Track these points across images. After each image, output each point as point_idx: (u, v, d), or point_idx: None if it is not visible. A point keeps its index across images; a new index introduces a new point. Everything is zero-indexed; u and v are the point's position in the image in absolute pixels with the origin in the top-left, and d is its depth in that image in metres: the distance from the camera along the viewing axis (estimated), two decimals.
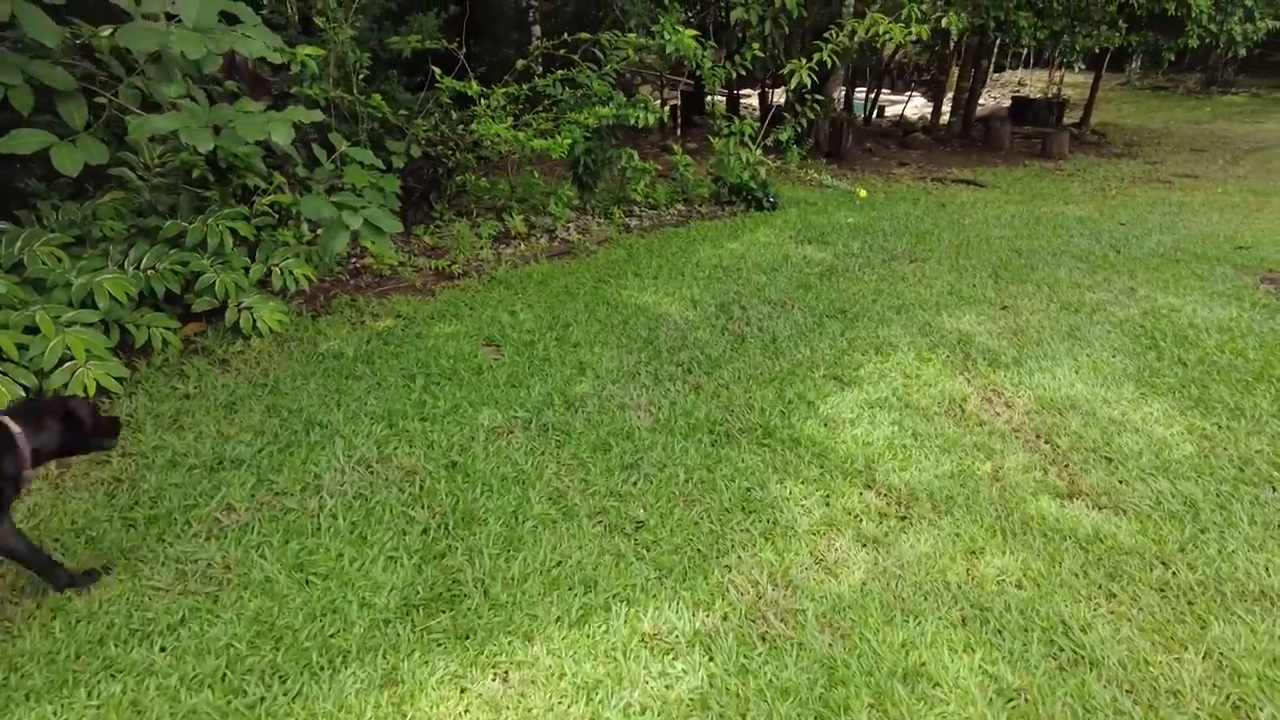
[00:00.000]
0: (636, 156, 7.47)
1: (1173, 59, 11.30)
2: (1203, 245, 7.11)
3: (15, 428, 2.14)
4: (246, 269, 4.34)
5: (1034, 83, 24.84)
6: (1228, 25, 10.34)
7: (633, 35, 6.55)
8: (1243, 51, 10.95)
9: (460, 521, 2.69)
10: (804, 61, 7.74)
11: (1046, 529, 2.85)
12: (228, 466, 2.94)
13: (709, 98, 8.13)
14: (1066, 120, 16.65)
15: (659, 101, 13.72)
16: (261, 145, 4.03)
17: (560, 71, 6.46)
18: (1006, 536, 2.81)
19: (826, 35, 7.81)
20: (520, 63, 6.58)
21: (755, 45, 7.99)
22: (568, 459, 3.18)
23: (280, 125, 2.86)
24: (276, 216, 4.63)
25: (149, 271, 3.97)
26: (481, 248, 6.14)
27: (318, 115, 3.13)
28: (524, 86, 6.19)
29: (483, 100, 5.89)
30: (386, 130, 6.14)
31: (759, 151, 8.17)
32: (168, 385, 3.63)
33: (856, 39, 7.79)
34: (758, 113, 16.17)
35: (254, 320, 4.21)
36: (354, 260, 5.63)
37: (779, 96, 14.10)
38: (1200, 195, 9.69)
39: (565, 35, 6.20)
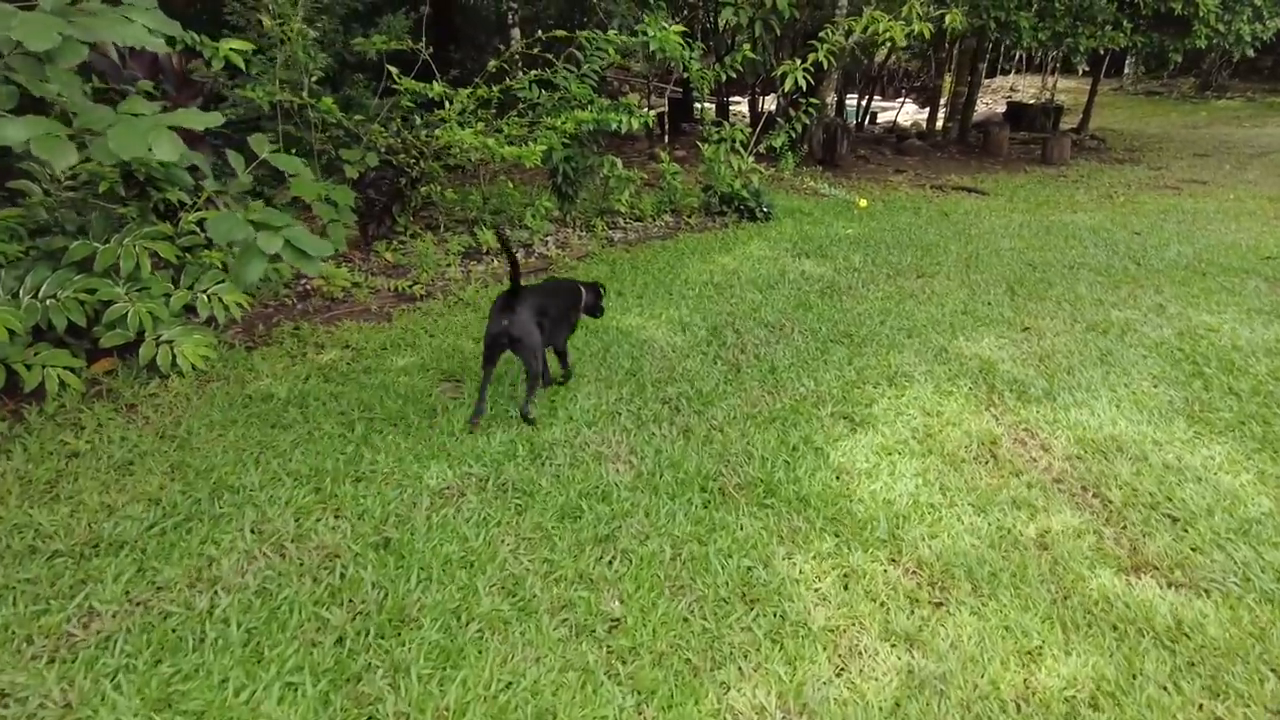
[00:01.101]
0: (620, 164, 6.94)
1: (1179, 60, 10.89)
2: (1226, 256, 6.64)
3: (584, 289, 3.84)
4: (168, 296, 3.77)
5: (1025, 88, 24.54)
6: (1236, 25, 9.94)
7: (613, 34, 6.03)
8: (1251, 52, 10.55)
9: (387, 624, 2.13)
10: (798, 63, 7.24)
11: (1115, 617, 2.31)
12: (104, 552, 2.37)
13: (697, 104, 7.60)
14: (1063, 125, 16.26)
15: (646, 108, 13.23)
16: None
17: (534, 73, 5.93)
18: (1067, 629, 2.27)
19: (822, 35, 7.32)
20: (493, 64, 6.06)
21: (745, 47, 7.49)
22: (529, 530, 2.63)
23: (162, 135, 2.29)
24: (205, 236, 4.07)
25: (49, 301, 3.41)
26: (449, 265, 5.59)
27: (216, 119, 2.58)
28: (494, 89, 5.65)
29: (448, 104, 5.34)
30: (352, 138, 5.60)
31: (750, 159, 7.66)
32: (56, 439, 3.05)
33: (853, 39, 7.30)
34: (748, 120, 15.71)
35: (174, 356, 3.64)
36: (303, 281, 5.06)
37: (770, 103, 13.66)
38: (1213, 202, 9.24)
39: (540, 34, 5.66)
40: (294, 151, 5.45)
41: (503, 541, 2.54)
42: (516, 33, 10.40)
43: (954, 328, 4.79)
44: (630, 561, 2.47)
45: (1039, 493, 2.99)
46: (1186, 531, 2.75)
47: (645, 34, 6.02)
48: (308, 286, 5.00)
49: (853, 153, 12.11)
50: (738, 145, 7.45)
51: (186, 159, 2.56)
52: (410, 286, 5.03)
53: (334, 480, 2.86)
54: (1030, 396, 3.81)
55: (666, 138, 10.03)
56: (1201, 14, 9.58)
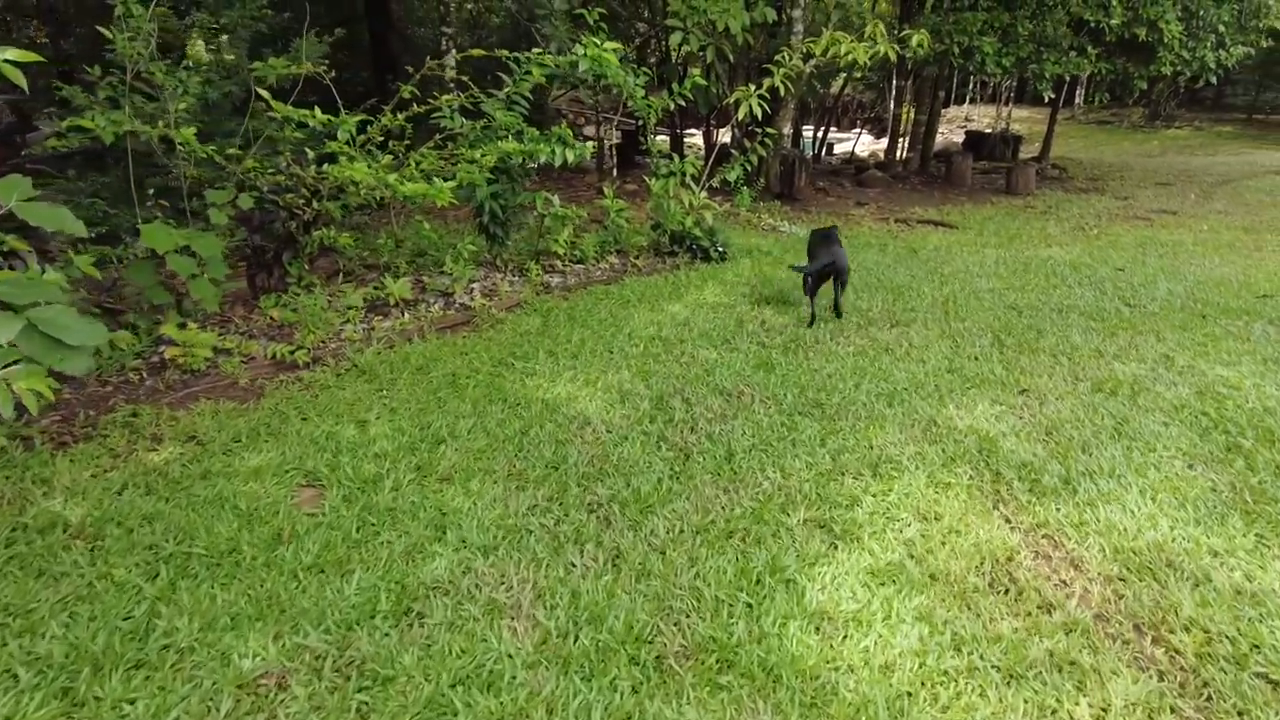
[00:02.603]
0: (556, 200, 6.17)
1: (1144, 86, 10.57)
2: (1220, 295, 6.09)
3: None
4: None
5: (980, 117, 24.57)
6: (1200, 51, 9.63)
7: (538, 51, 5.30)
8: (1214, 80, 10.27)
9: None
10: (753, 89, 6.60)
11: None
12: None
13: (645, 135, 6.92)
14: (1022, 154, 16.01)
15: (596, 141, 12.56)
16: None
17: (447, 97, 5.15)
18: None
19: (778, 58, 6.69)
20: (405, 89, 5.27)
21: (696, 72, 6.83)
22: None
23: None
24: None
25: None
26: (346, 322, 4.73)
27: None
28: (400, 117, 4.85)
29: (342, 134, 4.52)
30: (226, 175, 4.75)
31: (703, 194, 6.96)
32: None
33: (812, 62, 6.68)
34: (702, 153, 15.15)
35: None
36: (159, 350, 4.16)
37: (725, 135, 13.12)
38: (1188, 234, 8.80)
39: (455, 55, 4.89)
40: (152, 193, 4.58)
41: None
42: (451, 59, 9.64)
43: (940, 392, 4.07)
44: None
45: (1082, 642, 2.23)
46: None
47: (579, 54, 5.29)
48: (161, 356, 4.09)
49: (812, 185, 11.55)
50: (689, 179, 6.75)
51: None
52: (292, 352, 4.16)
53: (99, 671, 1.97)
54: (1045, 488, 3.08)
55: (615, 171, 9.33)
56: (1166, 40, 9.24)
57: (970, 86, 25.36)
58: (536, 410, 3.75)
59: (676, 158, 6.76)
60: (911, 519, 2.85)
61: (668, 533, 2.71)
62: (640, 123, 6.98)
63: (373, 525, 2.70)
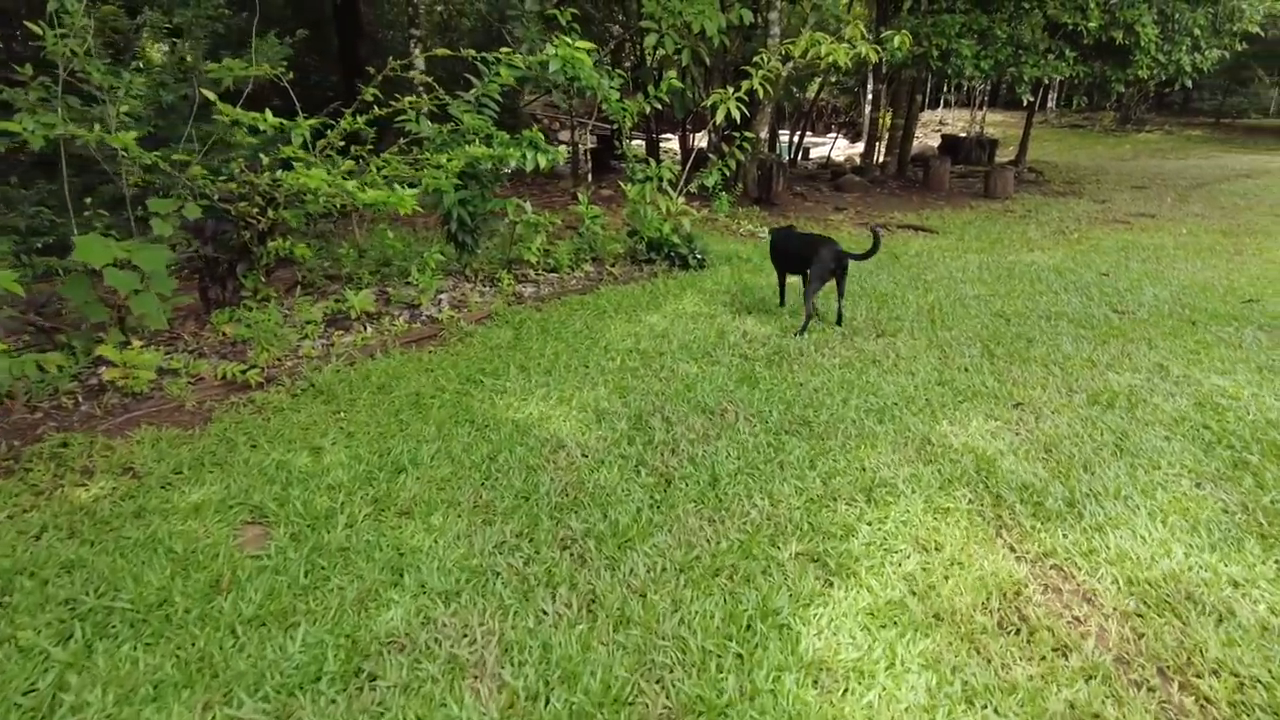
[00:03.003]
0: (529, 207, 5.93)
1: (1122, 89, 10.56)
2: (1206, 299, 5.99)
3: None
4: None
5: (954, 121, 24.68)
6: (1176, 54, 9.61)
7: (507, 51, 5.06)
8: (1189, 83, 10.27)
9: None
10: (730, 91, 6.41)
11: None
12: None
13: (621, 140, 6.71)
14: (999, 158, 16.02)
15: (571, 146, 12.32)
16: None
17: (409, 99, 4.89)
18: None
19: (756, 60, 6.51)
20: (368, 91, 5.01)
21: (672, 75, 6.64)
22: None
23: None
24: None
25: None
26: (304, 338, 4.46)
27: None
28: (360, 120, 4.60)
29: (296, 138, 4.25)
30: (172, 182, 4.45)
31: (681, 200, 6.76)
32: None
33: (790, 64, 6.51)
34: (679, 158, 14.96)
35: None
36: (97, 372, 3.85)
37: (702, 140, 12.96)
38: (1168, 237, 8.75)
39: (419, 53, 4.64)
40: (90, 201, 4.28)
41: None
42: (420, 62, 9.37)
43: (932, 406, 3.88)
44: None
45: (1104, 691, 2.03)
46: None
47: (550, 54, 5.06)
48: (98, 378, 3.79)
49: (789, 190, 11.41)
50: (665, 185, 6.54)
51: None
52: (244, 372, 3.88)
53: None
54: (1049, 511, 2.89)
55: (590, 177, 9.09)
56: (1143, 43, 9.20)
57: (945, 90, 25.48)
58: (506, 432, 3.50)
59: (653, 162, 6.55)
60: (911, 550, 2.64)
61: (648, 572, 2.48)
62: (615, 127, 6.76)
63: (323, 569, 2.44)
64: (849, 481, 3.09)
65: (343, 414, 3.70)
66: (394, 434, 3.48)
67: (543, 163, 5.24)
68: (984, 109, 21.03)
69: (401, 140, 5.20)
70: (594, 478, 3.09)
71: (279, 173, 4.06)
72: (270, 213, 4.52)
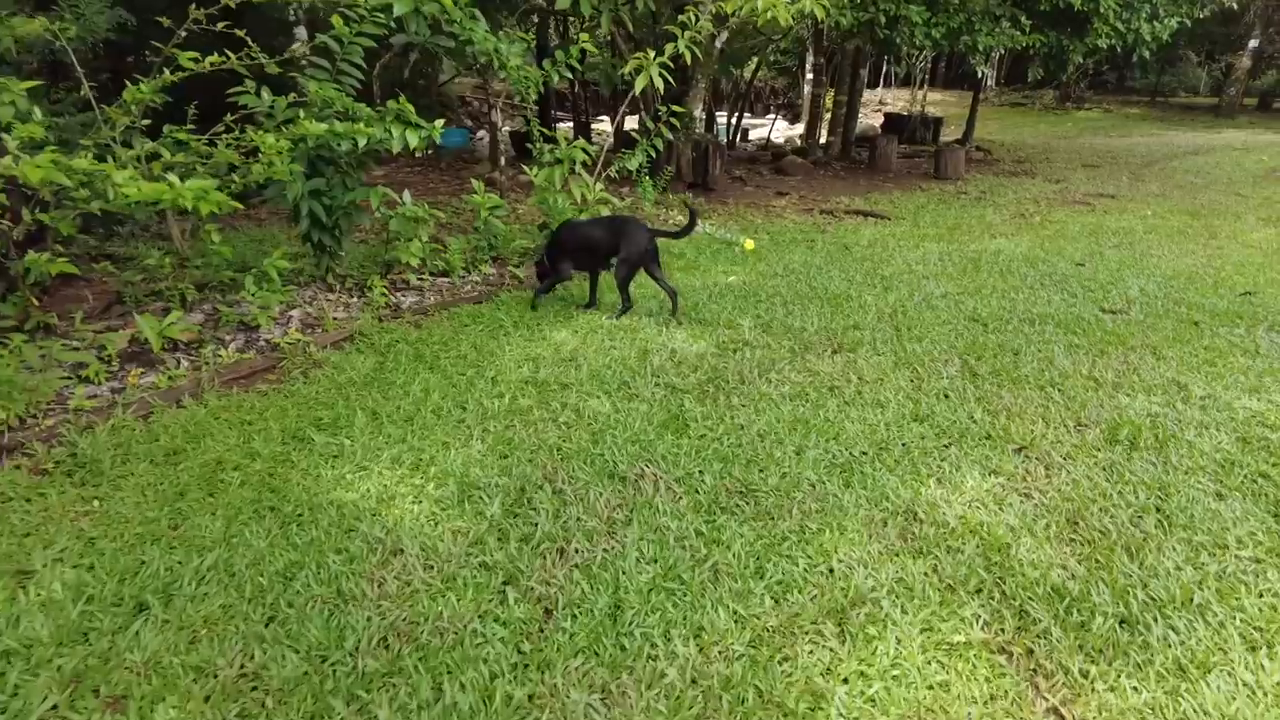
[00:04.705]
0: (408, 197, 4.81)
1: (1080, 60, 9.89)
2: (1198, 293, 5.24)
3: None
4: None
5: (895, 100, 24.10)
6: (1135, 23, 8.94)
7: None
8: (1147, 54, 9.65)
9: None
10: (652, 55, 5.38)
11: None
12: None
13: (529, 118, 5.63)
14: (944, 137, 15.38)
15: (490, 126, 11.08)
16: None
17: (211, 56, 3.71)
18: None
19: (682, 19, 5.49)
20: (182, 57, 3.82)
21: (584, 37, 5.57)
22: None
23: None
24: None
25: None
26: (84, 380, 3.30)
27: None
28: (147, 90, 3.43)
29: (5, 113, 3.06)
30: None
31: (599, 185, 5.72)
32: None
33: (725, 27, 5.50)
34: (612, 141, 13.83)
35: None
36: None
37: (634, 120, 11.89)
38: (1134, 220, 8.08)
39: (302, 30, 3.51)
40: None
41: None
42: (302, 31, 8.07)
43: (911, 455, 2.95)
44: None
45: None
46: None
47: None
48: None
49: (728, 174, 10.45)
50: (579, 168, 5.48)
51: None
52: None
53: None
54: (1099, 639, 1.98)
55: (503, 160, 7.96)
56: (1102, 10, 8.49)
57: (884, 68, 24.87)
58: (324, 527, 2.44)
59: (564, 142, 5.48)
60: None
61: None
62: (550, 108, 5.67)
63: None
64: (812, 599, 2.13)
65: (98, 503, 2.59)
66: (159, 536, 2.39)
67: (414, 141, 4.13)
68: (925, 87, 20.44)
69: (227, 116, 4.03)
70: (435, 611, 2.06)
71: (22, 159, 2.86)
72: (28, 214, 3.32)
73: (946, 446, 3.06)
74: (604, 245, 4.58)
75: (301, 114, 4.13)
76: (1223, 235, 7.31)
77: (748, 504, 2.60)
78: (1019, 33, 8.68)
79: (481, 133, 15.24)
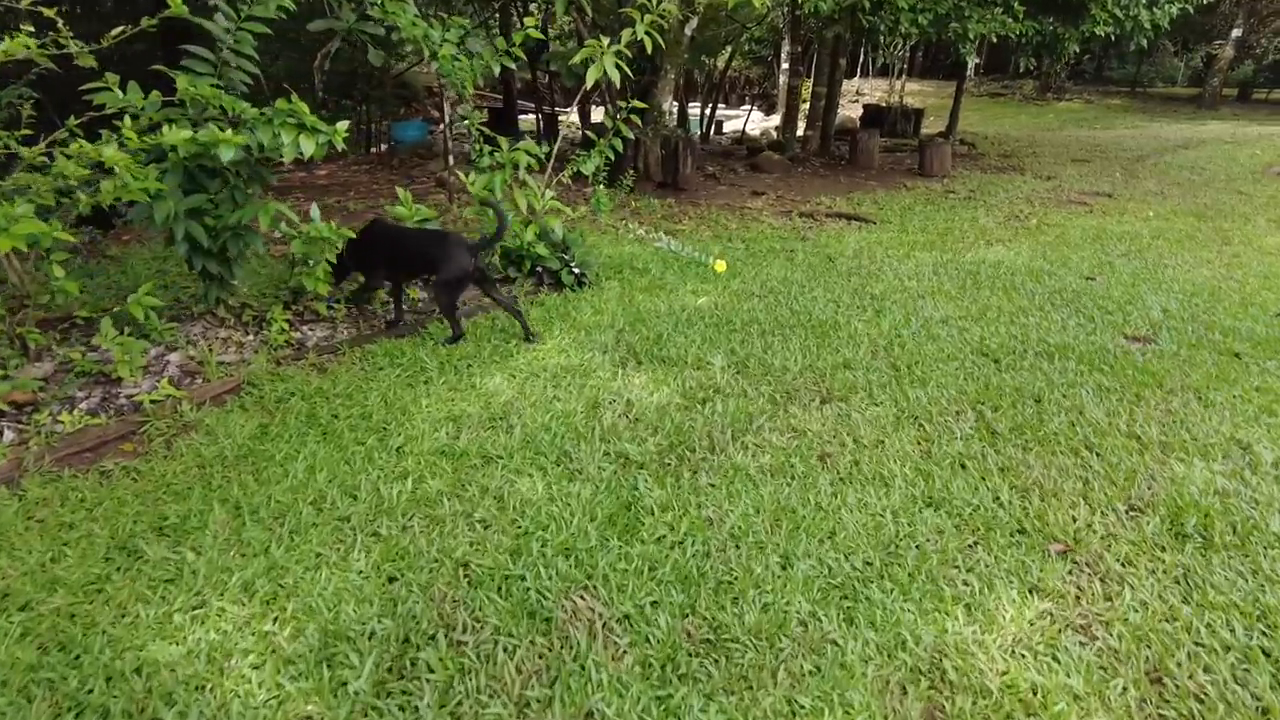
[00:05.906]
0: (316, 214, 4.03)
1: (1076, 49, 9.28)
2: (1228, 314, 4.63)
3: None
4: None
5: (872, 91, 23.50)
6: (1134, 9, 8.34)
7: None
8: (1144, 42, 9.07)
9: None
10: (606, 43, 4.65)
11: None
12: None
13: (457, 110, 4.89)
14: (924, 129, 14.77)
15: (445, 123, 10.26)
16: None
17: (10, 43, 2.92)
18: None
19: (642, 3, 4.75)
20: (19, 42, 3.01)
21: (530, 22, 4.81)
22: None
23: None
24: None
25: None
26: None
27: None
28: None
29: None
30: None
31: (550, 193, 4.97)
32: None
33: (697, 5, 4.76)
34: (580, 133, 13.04)
35: None
36: None
37: (600, 114, 11.13)
38: (1137, 223, 7.48)
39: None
40: None
41: None
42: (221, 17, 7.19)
43: (929, 565, 2.26)
44: None
45: None
46: None
47: None
48: None
49: (700, 172, 9.73)
50: (524, 173, 4.74)
51: None
52: None
53: None
54: None
55: (450, 160, 7.15)
56: None
57: (861, 58, 24.24)
58: (115, 716, 1.70)
59: (505, 143, 4.72)
60: None
61: None
62: (515, 102, 4.91)
63: None
64: None
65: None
66: None
67: (308, 148, 3.36)
68: (903, 77, 19.83)
69: (73, 120, 3.24)
70: None
71: None
72: None
73: (971, 547, 2.38)
74: (417, 262, 4.00)
75: (171, 117, 3.35)
76: (1236, 240, 6.72)
77: (716, 663, 1.89)
78: (1011, 19, 8.03)
79: (444, 125, 14.40)
